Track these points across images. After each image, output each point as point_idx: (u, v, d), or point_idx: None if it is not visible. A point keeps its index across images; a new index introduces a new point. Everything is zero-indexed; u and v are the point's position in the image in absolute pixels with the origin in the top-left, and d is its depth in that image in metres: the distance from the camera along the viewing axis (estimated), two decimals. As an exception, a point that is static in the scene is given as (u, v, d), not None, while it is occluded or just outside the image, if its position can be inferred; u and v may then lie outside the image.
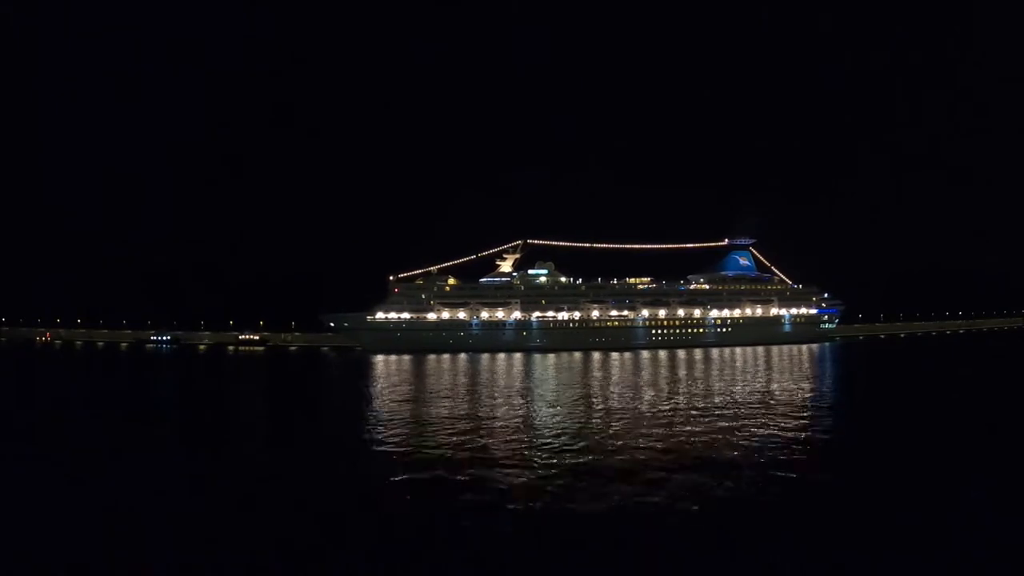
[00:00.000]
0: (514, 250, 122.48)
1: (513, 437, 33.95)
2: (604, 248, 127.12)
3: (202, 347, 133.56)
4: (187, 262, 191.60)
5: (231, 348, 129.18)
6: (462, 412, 42.47)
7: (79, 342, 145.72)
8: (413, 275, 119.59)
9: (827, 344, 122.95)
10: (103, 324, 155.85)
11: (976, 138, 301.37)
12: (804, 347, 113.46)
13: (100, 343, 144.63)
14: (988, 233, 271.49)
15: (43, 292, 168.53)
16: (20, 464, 29.60)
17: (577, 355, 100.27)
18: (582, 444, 31.97)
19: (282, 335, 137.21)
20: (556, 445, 31.64)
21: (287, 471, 28.18)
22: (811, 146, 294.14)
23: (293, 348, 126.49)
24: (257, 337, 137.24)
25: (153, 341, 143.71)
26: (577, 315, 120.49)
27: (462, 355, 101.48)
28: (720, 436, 33.66)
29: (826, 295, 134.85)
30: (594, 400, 49.19)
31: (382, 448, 31.96)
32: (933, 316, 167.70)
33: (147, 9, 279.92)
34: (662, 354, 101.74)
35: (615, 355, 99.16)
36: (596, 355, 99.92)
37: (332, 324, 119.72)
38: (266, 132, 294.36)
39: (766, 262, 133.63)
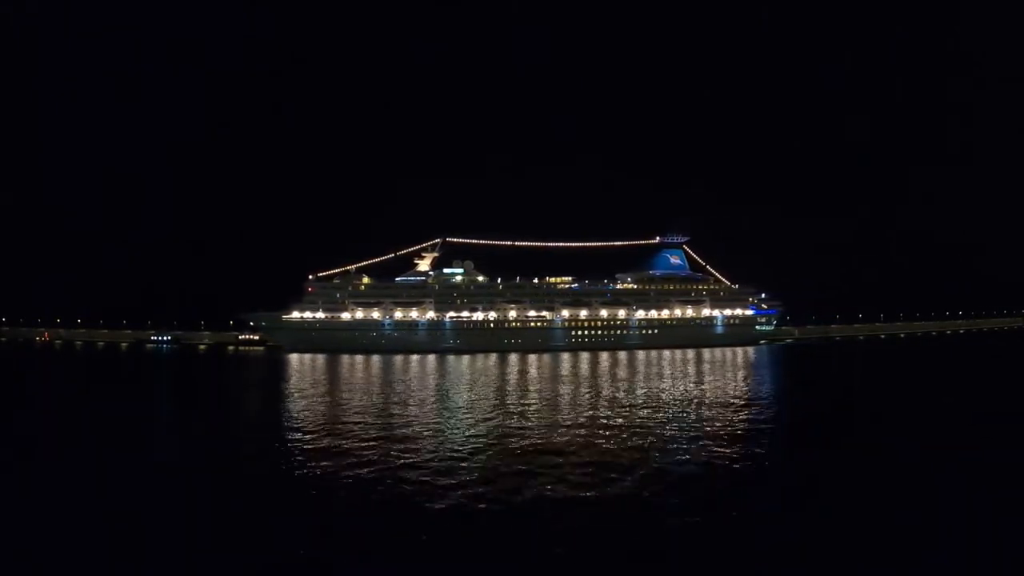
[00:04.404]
0: (432, 248, 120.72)
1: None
2: (528, 246, 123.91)
3: (202, 347, 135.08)
4: (187, 262, 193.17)
5: (231, 348, 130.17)
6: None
7: (79, 342, 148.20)
8: (331, 274, 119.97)
9: (764, 347, 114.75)
10: (103, 324, 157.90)
11: (975, 138, 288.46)
12: (739, 350, 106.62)
13: (100, 343, 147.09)
14: (986, 233, 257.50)
15: (43, 292, 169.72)
16: (18, 464, 31.29)
17: (493, 357, 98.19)
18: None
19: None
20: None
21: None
22: (807, 146, 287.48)
23: None
24: (257, 337, 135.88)
25: (153, 341, 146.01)
26: (493, 315, 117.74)
27: (375, 356, 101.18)
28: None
29: (764, 295, 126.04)
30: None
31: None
32: (933, 316, 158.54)
33: (147, 9, 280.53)
34: (583, 356, 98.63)
35: (532, 357, 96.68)
36: (512, 357, 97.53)
37: (252, 323, 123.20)
38: (266, 132, 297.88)
39: (701, 261, 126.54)
